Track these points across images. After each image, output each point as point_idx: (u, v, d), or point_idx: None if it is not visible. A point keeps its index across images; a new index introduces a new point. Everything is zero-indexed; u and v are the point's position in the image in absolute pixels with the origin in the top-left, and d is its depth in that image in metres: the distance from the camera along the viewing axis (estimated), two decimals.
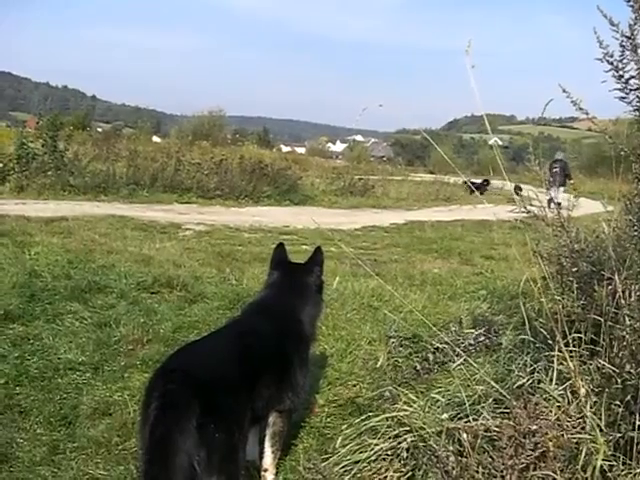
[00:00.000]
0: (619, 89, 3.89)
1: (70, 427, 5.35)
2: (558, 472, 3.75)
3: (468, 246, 16.56)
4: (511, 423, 3.94)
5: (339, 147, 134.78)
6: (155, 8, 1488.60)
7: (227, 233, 16.82)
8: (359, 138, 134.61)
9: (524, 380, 4.57)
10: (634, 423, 3.90)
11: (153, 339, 7.24)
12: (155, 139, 66.13)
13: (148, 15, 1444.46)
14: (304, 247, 13.18)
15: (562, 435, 3.88)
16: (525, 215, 4.88)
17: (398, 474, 4.35)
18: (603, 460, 3.76)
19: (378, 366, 6.36)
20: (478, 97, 4.50)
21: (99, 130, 70.59)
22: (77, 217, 16.22)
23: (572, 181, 31.53)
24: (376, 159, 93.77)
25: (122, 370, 6.48)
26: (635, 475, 3.71)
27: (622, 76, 3.83)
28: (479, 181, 37.25)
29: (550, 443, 3.80)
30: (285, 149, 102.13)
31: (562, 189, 28.56)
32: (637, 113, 3.92)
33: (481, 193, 33.94)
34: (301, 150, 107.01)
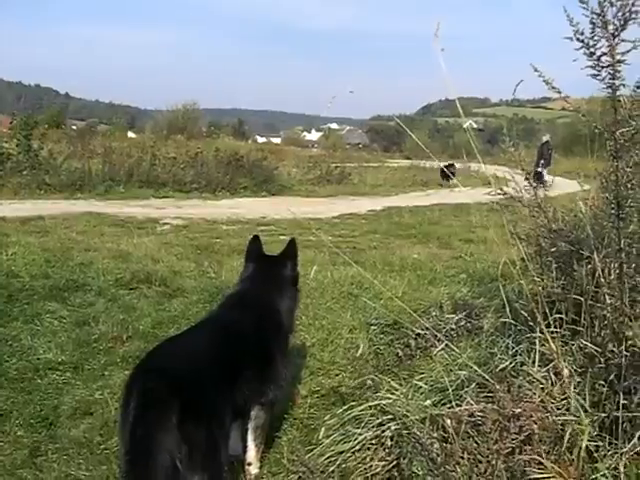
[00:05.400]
0: (591, 67, 3.86)
1: (51, 428, 5.30)
2: (544, 455, 3.74)
3: (447, 230, 16.58)
4: (495, 407, 3.93)
5: (314, 136, 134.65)
6: (126, 4, 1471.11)
7: (205, 226, 16.81)
8: (334, 126, 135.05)
9: (507, 363, 4.58)
10: (618, 402, 3.89)
11: (133, 336, 7.21)
12: (130, 135, 65.96)
13: (119, 11, 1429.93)
14: (282, 237, 13.14)
15: (547, 417, 3.87)
16: (501, 197, 4.86)
17: (383, 463, 4.33)
18: (589, 441, 3.76)
19: (359, 354, 6.34)
20: (449, 81, 4.48)
21: (74, 128, 69.97)
22: (54, 216, 16.20)
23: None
24: (352, 146, 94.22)
25: (102, 368, 6.44)
26: (621, 455, 3.70)
27: (593, 53, 3.79)
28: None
29: (535, 426, 3.80)
30: (261, 140, 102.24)
31: (547, 169, 29.23)
32: (610, 91, 3.89)
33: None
34: (277, 140, 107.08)
